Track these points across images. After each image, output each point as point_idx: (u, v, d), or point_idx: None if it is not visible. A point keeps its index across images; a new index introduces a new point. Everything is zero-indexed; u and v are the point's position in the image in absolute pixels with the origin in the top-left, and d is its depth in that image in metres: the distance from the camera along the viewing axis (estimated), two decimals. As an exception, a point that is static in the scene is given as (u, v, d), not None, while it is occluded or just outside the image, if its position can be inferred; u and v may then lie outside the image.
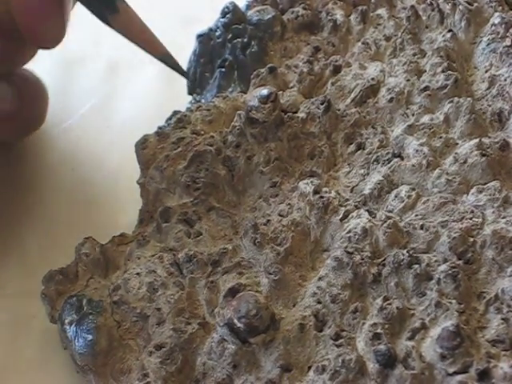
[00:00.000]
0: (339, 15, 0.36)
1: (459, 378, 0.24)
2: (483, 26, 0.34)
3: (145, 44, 0.32)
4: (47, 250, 0.34)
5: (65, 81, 0.39)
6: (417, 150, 0.30)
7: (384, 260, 0.27)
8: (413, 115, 0.32)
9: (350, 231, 0.28)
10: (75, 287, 0.29)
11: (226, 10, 0.36)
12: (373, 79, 0.33)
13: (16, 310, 0.32)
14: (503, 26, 0.33)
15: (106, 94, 0.39)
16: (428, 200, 0.29)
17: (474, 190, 0.29)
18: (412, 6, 0.35)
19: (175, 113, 0.33)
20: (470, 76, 0.33)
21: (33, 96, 0.35)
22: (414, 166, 0.30)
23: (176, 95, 0.37)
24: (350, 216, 0.29)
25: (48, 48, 0.33)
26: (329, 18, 0.36)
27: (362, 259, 0.27)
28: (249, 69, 0.34)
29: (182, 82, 0.36)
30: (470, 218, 0.28)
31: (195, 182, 0.31)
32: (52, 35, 0.32)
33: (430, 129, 0.31)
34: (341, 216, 0.29)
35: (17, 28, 0.31)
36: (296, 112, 0.32)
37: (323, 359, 0.26)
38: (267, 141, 0.31)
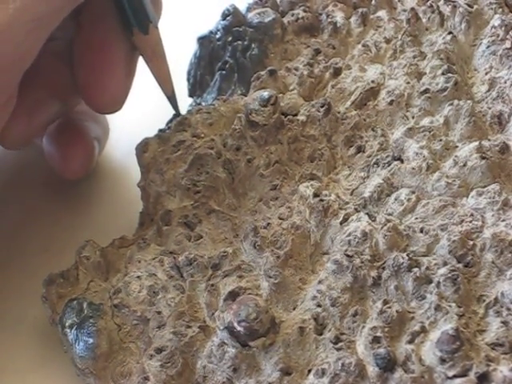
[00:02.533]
0: (339, 17, 0.36)
1: (459, 381, 0.25)
2: (483, 28, 0.34)
3: (156, 78, 0.33)
4: (47, 252, 0.34)
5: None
6: (417, 153, 0.30)
7: (384, 263, 0.28)
8: (413, 118, 0.32)
9: (349, 234, 0.28)
10: (76, 290, 0.29)
11: (227, 12, 0.36)
12: (373, 82, 0.33)
13: (16, 311, 0.32)
14: (503, 28, 0.33)
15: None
16: (428, 203, 0.29)
17: (473, 192, 0.29)
18: (412, 9, 0.35)
19: (175, 116, 0.33)
20: (470, 78, 0.33)
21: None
22: (413, 168, 0.30)
23: (176, 97, 0.37)
24: (350, 219, 0.29)
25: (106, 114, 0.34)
26: (329, 20, 0.35)
27: (362, 262, 0.27)
28: (249, 71, 0.34)
29: (183, 85, 0.37)
30: (470, 221, 0.28)
31: (195, 185, 0.31)
32: (114, 106, 0.32)
33: (429, 131, 0.31)
34: (341, 219, 0.29)
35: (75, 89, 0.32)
36: (296, 115, 0.32)
37: (323, 362, 0.26)
38: (267, 144, 0.31)
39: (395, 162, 0.30)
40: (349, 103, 0.33)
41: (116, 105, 0.32)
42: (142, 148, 0.32)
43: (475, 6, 0.34)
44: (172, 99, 0.34)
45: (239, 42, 0.35)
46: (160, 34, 0.32)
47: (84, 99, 0.32)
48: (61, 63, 0.32)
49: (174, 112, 0.34)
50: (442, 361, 0.25)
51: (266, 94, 0.32)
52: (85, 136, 0.34)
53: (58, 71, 0.32)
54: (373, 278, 0.27)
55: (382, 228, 0.28)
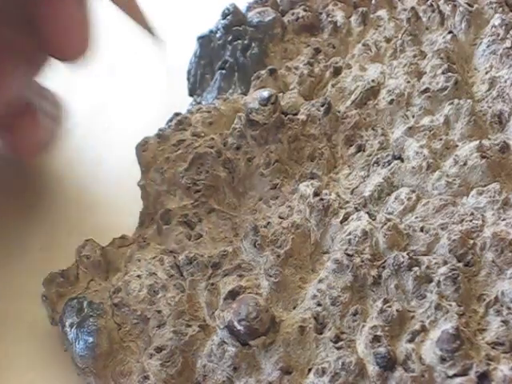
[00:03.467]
0: (339, 17, 0.36)
1: (459, 380, 0.25)
2: (483, 28, 0.34)
3: (130, 13, 0.32)
4: (48, 251, 0.34)
5: (65, 82, 0.39)
6: (417, 152, 0.30)
7: (384, 262, 0.28)
8: (413, 117, 0.32)
9: (350, 233, 0.28)
10: (76, 289, 0.29)
11: (227, 11, 0.36)
12: (373, 81, 0.33)
13: (16, 310, 0.32)
14: (503, 27, 0.33)
15: (107, 96, 0.39)
16: (428, 202, 0.29)
17: (473, 192, 0.29)
18: (412, 8, 0.35)
19: (176, 115, 0.33)
20: (470, 78, 0.33)
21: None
22: (414, 168, 0.30)
23: (177, 97, 0.37)
24: (350, 218, 0.29)
25: (71, 61, 0.32)
26: (329, 19, 0.36)
27: (362, 261, 0.27)
28: (249, 70, 0.34)
29: (183, 84, 0.37)
30: (470, 220, 0.28)
31: (196, 184, 0.31)
32: (80, 49, 0.31)
33: (430, 131, 0.31)
34: (341, 218, 0.29)
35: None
36: (296, 114, 0.32)
37: (323, 362, 0.26)
38: (267, 143, 0.31)
39: (395, 161, 0.30)
40: (349, 102, 0.33)
41: (82, 47, 0.31)
42: (142, 147, 0.32)
43: (475, 6, 0.35)
44: (149, 29, 0.32)
45: (239, 41, 0.35)
46: None
47: (50, 50, 0.31)
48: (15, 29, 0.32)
49: (174, 110, 0.34)
50: (443, 360, 0.25)
51: (266, 93, 0.32)
52: (35, 112, 0.33)
53: (15, 35, 0.32)
54: (373, 277, 0.27)
55: (382, 227, 0.28)
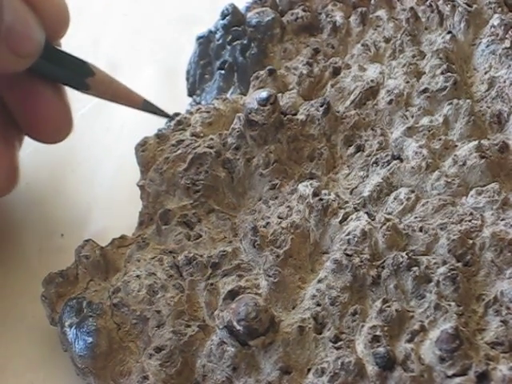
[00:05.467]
0: (339, 17, 0.36)
1: (458, 380, 0.25)
2: (482, 28, 0.34)
3: (123, 99, 0.33)
4: (47, 251, 0.34)
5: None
6: (416, 152, 0.30)
7: (383, 262, 0.28)
8: (412, 117, 0.32)
9: (349, 233, 0.28)
10: (75, 290, 0.29)
11: (226, 11, 0.36)
12: (372, 81, 0.33)
13: (16, 311, 0.32)
14: (502, 27, 0.33)
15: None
16: (427, 202, 0.29)
17: (473, 192, 0.29)
18: (411, 8, 0.35)
19: (175, 115, 0.33)
20: (470, 78, 0.33)
21: None
22: (413, 168, 0.30)
23: (176, 97, 0.37)
24: (350, 218, 0.29)
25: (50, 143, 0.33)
26: (328, 19, 0.36)
27: (362, 261, 0.27)
28: (248, 71, 0.34)
29: (182, 84, 0.37)
30: (469, 220, 0.28)
31: (195, 185, 0.31)
32: (59, 135, 0.32)
33: (429, 131, 0.31)
34: (340, 218, 0.29)
35: None
36: (295, 114, 0.32)
37: (322, 362, 0.26)
38: (267, 143, 0.31)
39: (394, 161, 0.30)
40: (348, 102, 0.33)
41: (62, 133, 0.32)
42: (142, 147, 0.32)
43: (474, 6, 0.35)
44: (148, 106, 0.33)
45: (238, 42, 0.35)
46: (101, 70, 0.32)
47: (30, 135, 0.32)
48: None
49: (173, 110, 0.34)
50: (442, 360, 0.25)
51: (265, 93, 0.31)
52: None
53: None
54: (372, 277, 0.27)
55: (381, 227, 0.28)
